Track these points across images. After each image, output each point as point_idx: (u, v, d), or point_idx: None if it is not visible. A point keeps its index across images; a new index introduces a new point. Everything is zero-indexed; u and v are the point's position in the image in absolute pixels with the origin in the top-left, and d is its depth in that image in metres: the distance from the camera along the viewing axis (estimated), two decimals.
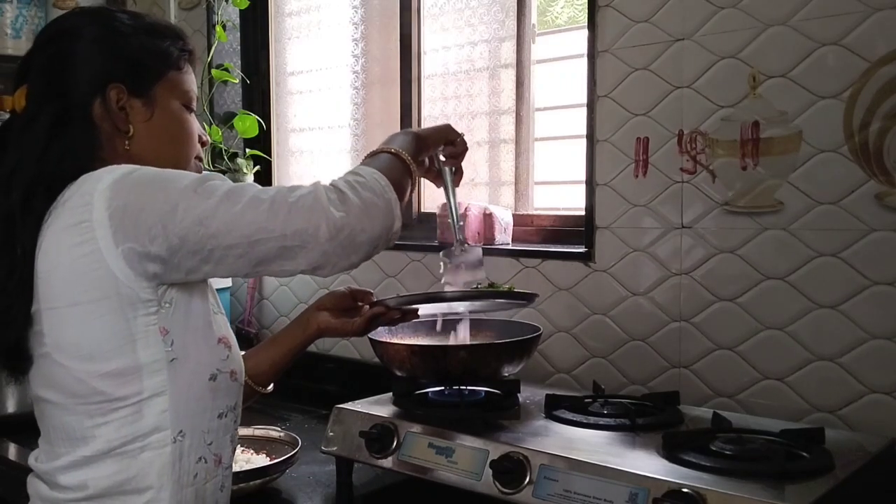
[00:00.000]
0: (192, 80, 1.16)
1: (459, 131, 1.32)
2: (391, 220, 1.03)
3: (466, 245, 1.39)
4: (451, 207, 1.37)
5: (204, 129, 1.20)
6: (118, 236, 0.95)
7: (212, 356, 1.04)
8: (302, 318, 1.33)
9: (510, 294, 1.39)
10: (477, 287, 1.38)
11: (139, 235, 0.95)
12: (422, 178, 1.37)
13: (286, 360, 1.32)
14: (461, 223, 1.39)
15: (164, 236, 0.94)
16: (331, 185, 1.01)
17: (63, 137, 1.03)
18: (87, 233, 0.95)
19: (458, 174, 1.36)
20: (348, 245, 0.98)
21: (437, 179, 1.35)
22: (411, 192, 1.17)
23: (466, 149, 1.34)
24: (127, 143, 1.07)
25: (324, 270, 1.01)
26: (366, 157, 1.15)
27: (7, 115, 1.11)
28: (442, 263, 1.39)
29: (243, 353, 1.37)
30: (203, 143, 1.18)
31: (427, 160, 1.32)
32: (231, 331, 1.12)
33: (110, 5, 2.59)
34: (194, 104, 1.16)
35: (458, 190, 1.36)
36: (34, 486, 1.07)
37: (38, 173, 1.01)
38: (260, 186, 1.00)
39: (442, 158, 1.33)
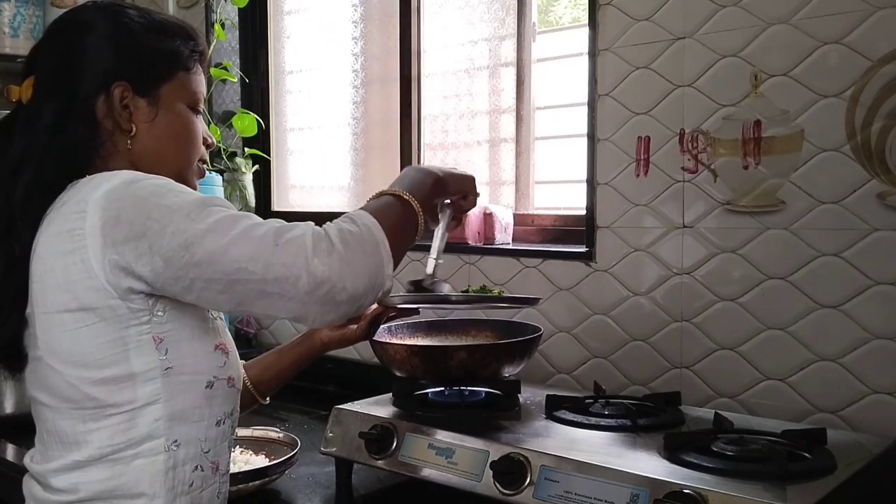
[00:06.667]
0: (200, 82, 1.13)
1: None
2: (379, 281, 0.95)
3: (436, 281, 1.28)
4: (437, 248, 1.26)
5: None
6: (107, 248, 0.92)
7: (208, 363, 1.02)
8: (305, 335, 1.39)
9: (514, 299, 1.38)
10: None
11: (126, 252, 0.92)
12: None
13: (291, 373, 1.39)
14: (441, 261, 1.27)
15: (150, 256, 0.91)
16: (323, 230, 0.94)
17: (65, 133, 1.02)
18: (79, 241, 0.93)
19: (455, 222, 1.23)
20: (327, 302, 0.91)
21: (433, 220, 1.18)
22: (414, 241, 1.07)
23: (475, 205, 1.22)
24: (129, 142, 1.05)
25: (306, 322, 0.96)
26: (372, 198, 1.05)
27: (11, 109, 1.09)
28: (406, 291, 1.30)
29: (250, 360, 1.37)
30: (208, 146, 1.16)
31: None
32: (230, 336, 1.10)
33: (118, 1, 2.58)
34: (201, 106, 1.13)
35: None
36: (29, 486, 1.06)
37: (39, 170, 1.00)
38: (257, 219, 0.94)
39: (447, 201, 1.19)
